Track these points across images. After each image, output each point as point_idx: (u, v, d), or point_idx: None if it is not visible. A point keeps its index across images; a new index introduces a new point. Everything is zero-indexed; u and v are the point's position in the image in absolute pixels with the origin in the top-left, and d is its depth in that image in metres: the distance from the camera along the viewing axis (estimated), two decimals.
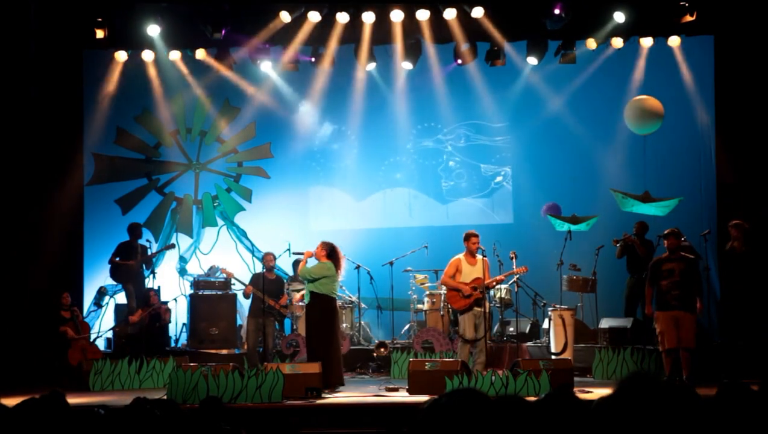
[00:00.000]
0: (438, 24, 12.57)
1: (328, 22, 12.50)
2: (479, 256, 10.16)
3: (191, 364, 9.72)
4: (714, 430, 2.78)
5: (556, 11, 11.95)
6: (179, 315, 13.06)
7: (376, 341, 12.25)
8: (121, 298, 12.89)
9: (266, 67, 13.39)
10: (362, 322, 12.77)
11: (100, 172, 14.04)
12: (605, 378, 10.77)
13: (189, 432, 4.23)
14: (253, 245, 13.84)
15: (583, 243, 12.48)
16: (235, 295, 12.80)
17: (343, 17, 12.41)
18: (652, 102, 12.50)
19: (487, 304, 10.10)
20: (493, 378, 9.09)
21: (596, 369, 10.96)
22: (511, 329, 12.05)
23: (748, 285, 11.13)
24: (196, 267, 13.98)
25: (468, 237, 10.18)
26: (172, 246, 13.28)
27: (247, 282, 11.53)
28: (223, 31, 12.19)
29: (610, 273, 12.40)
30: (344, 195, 14.77)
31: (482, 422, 2.45)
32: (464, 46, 12.86)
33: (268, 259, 11.64)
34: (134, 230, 12.67)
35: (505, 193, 14.65)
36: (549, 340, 11.35)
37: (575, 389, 9.23)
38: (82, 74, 12.95)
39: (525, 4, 12.48)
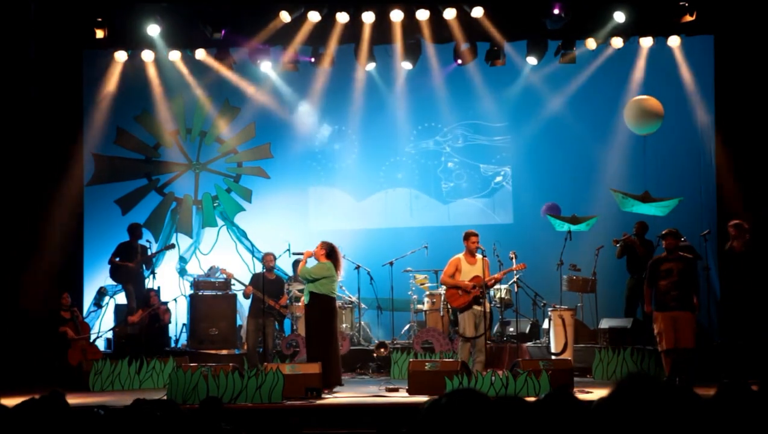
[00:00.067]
0: (438, 24, 12.56)
1: (328, 22, 12.50)
2: (479, 256, 10.16)
3: (191, 364, 9.71)
4: (713, 430, 2.78)
5: (556, 11, 11.95)
6: (179, 316, 13.06)
7: (376, 341, 12.25)
8: (121, 299, 12.90)
9: (266, 67, 13.39)
10: (362, 322, 12.77)
11: (100, 172, 14.04)
12: (605, 379, 10.77)
13: (189, 433, 4.23)
14: (253, 245, 13.84)
15: (583, 243, 12.49)
16: (235, 296, 12.80)
17: (343, 17, 12.41)
18: (652, 102, 12.50)
19: (487, 304, 10.10)
20: (493, 378, 9.09)
21: (596, 369, 10.96)
22: (511, 329, 12.05)
23: (748, 285, 11.13)
24: (196, 268, 13.98)
25: (467, 236, 10.18)
26: (172, 246, 13.29)
27: (247, 283, 11.53)
28: (223, 31, 12.19)
29: (610, 274, 12.41)
30: (345, 195, 14.77)
31: (482, 422, 2.45)
32: (464, 46, 12.86)
33: (268, 259, 11.64)
34: (134, 230, 12.68)
35: (505, 193, 14.65)
36: (549, 340, 11.35)
37: (575, 389, 9.24)
38: (82, 74, 12.95)
39: (525, 4, 12.48)
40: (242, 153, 14.68)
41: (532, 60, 13.08)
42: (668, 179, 13.31)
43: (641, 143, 13.43)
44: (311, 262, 10.18)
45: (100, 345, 12.40)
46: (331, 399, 9.22)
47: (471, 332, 9.98)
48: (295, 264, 12.11)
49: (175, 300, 12.77)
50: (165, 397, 8.09)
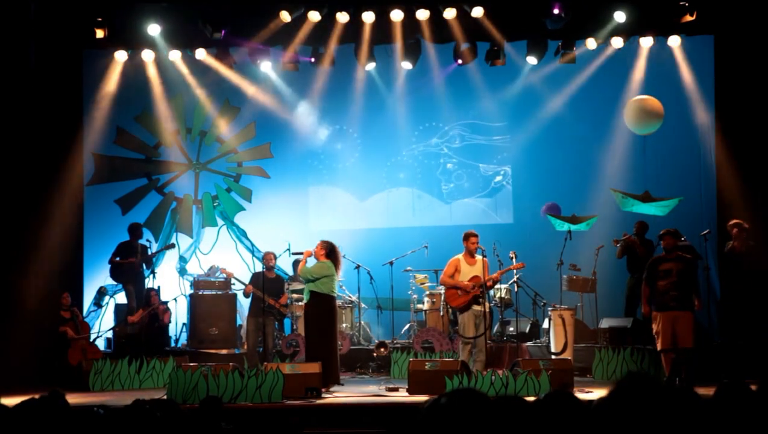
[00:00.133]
0: (438, 24, 12.55)
1: (327, 22, 12.49)
2: (479, 256, 10.16)
3: (191, 364, 9.71)
4: (713, 430, 2.78)
5: (556, 11, 11.93)
6: (179, 315, 13.06)
7: (376, 341, 12.25)
8: (121, 298, 12.90)
9: (266, 67, 13.38)
10: (362, 322, 12.77)
11: (100, 172, 14.04)
12: (605, 378, 10.77)
13: (189, 432, 4.23)
14: (253, 245, 13.84)
15: (583, 243, 12.49)
16: (235, 295, 12.80)
17: (343, 17, 12.40)
18: (652, 102, 12.50)
19: (486, 303, 10.10)
20: (493, 378, 9.09)
21: (596, 369, 10.96)
22: (511, 329, 12.04)
23: (748, 285, 11.13)
24: (196, 267, 13.99)
25: (467, 237, 10.19)
26: (172, 246, 13.29)
27: (247, 282, 11.52)
28: (223, 31, 12.18)
29: (610, 273, 12.41)
30: (348, 195, 14.78)
31: (482, 422, 2.45)
32: (464, 46, 12.86)
33: (268, 258, 11.64)
34: (134, 230, 12.68)
35: (505, 193, 14.65)
36: (549, 340, 11.35)
37: (575, 389, 9.24)
38: (82, 74, 12.94)
39: (525, 4, 12.47)
40: (242, 152, 14.68)
41: (532, 60, 13.07)
42: (668, 179, 13.30)
43: (641, 143, 13.44)
44: (311, 262, 10.18)
45: (100, 344, 12.40)
46: (331, 398, 9.22)
47: (471, 332, 9.99)
48: (295, 263, 12.11)
49: (175, 299, 12.76)
50: (165, 397, 8.08)
